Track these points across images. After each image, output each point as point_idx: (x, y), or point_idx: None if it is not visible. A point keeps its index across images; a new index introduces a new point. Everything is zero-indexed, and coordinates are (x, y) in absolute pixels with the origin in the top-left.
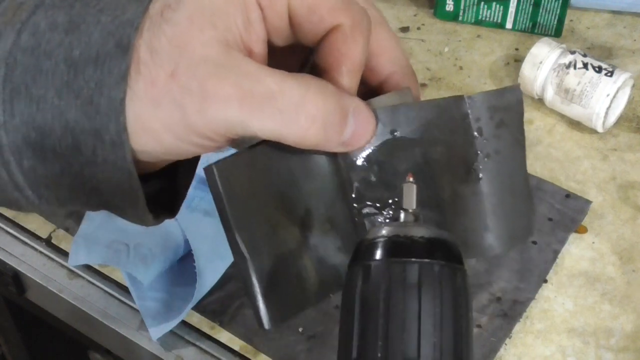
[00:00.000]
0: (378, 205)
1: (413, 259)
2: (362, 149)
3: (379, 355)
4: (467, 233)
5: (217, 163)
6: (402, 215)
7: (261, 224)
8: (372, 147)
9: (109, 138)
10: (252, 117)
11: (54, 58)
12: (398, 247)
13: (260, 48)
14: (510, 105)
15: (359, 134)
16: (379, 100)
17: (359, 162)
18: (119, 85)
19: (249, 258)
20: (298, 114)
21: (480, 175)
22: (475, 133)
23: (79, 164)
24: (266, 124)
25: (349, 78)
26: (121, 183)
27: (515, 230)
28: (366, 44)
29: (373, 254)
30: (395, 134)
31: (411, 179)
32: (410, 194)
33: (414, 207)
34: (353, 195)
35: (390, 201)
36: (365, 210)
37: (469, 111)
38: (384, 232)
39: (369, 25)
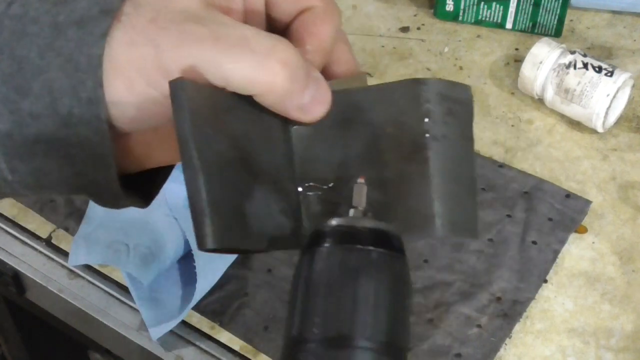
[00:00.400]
0: (319, 181)
1: (355, 246)
2: (313, 124)
3: (315, 331)
4: (411, 213)
5: (184, 80)
6: (351, 212)
7: (214, 152)
8: (322, 125)
9: (86, 95)
10: (226, 56)
11: (39, 23)
12: (342, 235)
13: (237, 18)
14: (460, 99)
15: (317, 100)
16: (335, 83)
17: (308, 137)
18: (98, 42)
19: (201, 173)
20: (270, 56)
21: (428, 155)
22: (425, 115)
23: (54, 125)
24: (238, 65)
25: (315, 55)
26: (94, 147)
27: (458, 218)
28: (335, 27)
29: (320, 241)
30: (346, 115)
31: (362, 181)
32: (361, 194)
33: (364, 206)
34: (298, 168)
35: (331, 180)
36: (307, 184)
37: (421, 92)
38: (333, 222)
39: (338, 12)
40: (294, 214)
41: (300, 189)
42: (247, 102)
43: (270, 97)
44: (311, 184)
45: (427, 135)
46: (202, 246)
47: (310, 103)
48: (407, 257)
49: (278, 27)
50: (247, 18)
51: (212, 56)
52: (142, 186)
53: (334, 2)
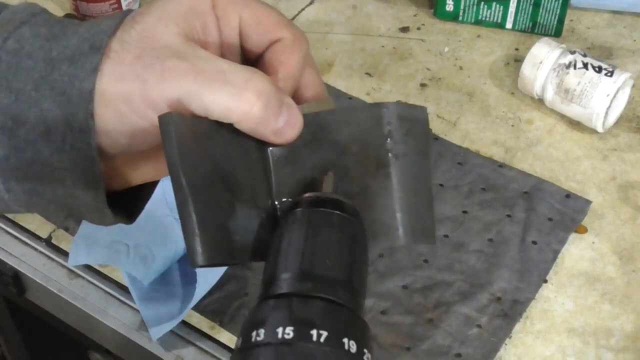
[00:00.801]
0: (293, 196)
1: (320, 209)
2: (287, 145)
3: (286, 271)
4: (376, 224)
5: (172, 114)
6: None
7: (201, 176)
8: (295, 145)
9: (77, 126)
10: (205, 89)
11: (34, 58)
12: (311, 202)
13: (214, 51)
14: (417, 120)
15: (290, 124)
16: (304, 107)
17: (283, 157)
18: (89, 77)
19: (190, 198)
20: (246, 88)
21: (390, 171)
22: (387, 136)
23: (49, 151)
24: (217, 97)
25: (286, 82)
26: (85, 171)
27: (417, 227)
28: (303, 57)
29: (295, 208)
30: (316, 135)
31: (330, 173)
32: (329, 182)
33: (330, 190)
34: (274, 186)
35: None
36: (283, 199)
37: (383, 115)
38: (305, 195)
39: (306, 43)
40: (270, 227)
41: (277, 204)
42: (227, 128)
43: (247, 124)
44: (285, 199)
45: (390, 154)
46: (194, 264)
47: (283, 127)
48: (363, 225)
49: (251, 57)
50: (224, 50)
51: (194, 89)
52: (127, 202)
53: (301, 32)
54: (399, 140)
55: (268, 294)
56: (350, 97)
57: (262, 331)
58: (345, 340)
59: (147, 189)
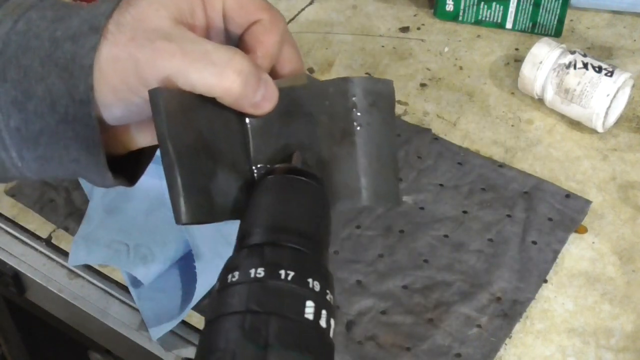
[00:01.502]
0: (269, 162)
1: (288, 175)
2: (264, 117)
3: (252, 227)
4: (342, 187)
5: (161, 89)
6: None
7: (185, 144)
8: (271, 117)
9: (79, 97)
10: (191, 67)
11: (40, 38)
12: (281, 170)
13: (200, 33)
14: (382, 93)
15: (266, 98)
16: (280, 82)
17: (260, 127)
18: (89, 54)
19: (176, 163)
20: (228, 67)
21: (355, 140)
22: (352, 107)
23: (54, 122)
24: (202, 74)
25: (264, 60)
26: (87, 139)
27: (381, 190)
28: (280, 36)
29: (267, 175)
30: (290, 107)
31: (298, 152)
32: (297, 157)
33: (300, 166)
34: (251, 153)
35: (278, 161)
36: (259, 165)
37: (349, 89)
38: (276, 165)
39: (284, 23)
40: (248, 190)
41: (254, 169)
42: (211, 102)
43: (229, 98)
44: (262, 165)
45: (355, 123)
46: (178, 221)
47: (261, 101)
48: (324, 187)
49: (234, 37)
50: (209, 32)
51: (181, 68)
52: (128, 167)
53: (279, 14)
54: (364, 110)
55: (242, 245)
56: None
57: (236, 273)
58: (310, 280)
59: (146, 154)
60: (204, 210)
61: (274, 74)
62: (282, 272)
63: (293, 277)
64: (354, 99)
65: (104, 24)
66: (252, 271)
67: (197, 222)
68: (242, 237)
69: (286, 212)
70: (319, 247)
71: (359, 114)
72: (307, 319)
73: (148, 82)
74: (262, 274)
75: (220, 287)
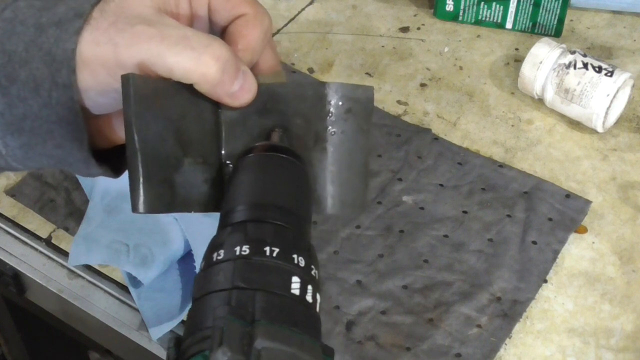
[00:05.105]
0: (239, 158)
1: (268, 153)
2: (240, 110)
3: (234, 205)
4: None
5: (132, 74)
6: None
7: (153, 132)
8: (247, 112)
9: (62, 81)
10: (169, 51)
11: (25, 24)
12: (261, 148)
13: (184, 23)
14: (360, 99)
15: (244, 89)
16: (259, 78)
17: (234, 121)
18: (71, 38)
19: (139, 151)
20: (206, 52)
21: (326, 147)
22: (327, 113)
23: (37, 106)
24: (179, 58)
25: (245, 53)
26: (70, 122)
27: (347, 198)
28: (263, 32)
29: (247, 154)
30: (267, 105)
31: (277, 130)
32: (277, 135)
33: (278, 141)
34: (223, 146)
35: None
36: (229, 161)
37: (326, 93)
38: (256, 144)
39: (268, 19)
40: (216, 184)
41: (228, 163)
42: (187, 90)
43: (205, 85)
44: (232, 161)
45: (330, 128)
46: (135, 211)
47: (238, 91)
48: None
49: (217, 30)
50: (193, 22)
51: (159, 51)
52: (115, 160)
53: (263, 9)
54: (339, 117)
55: (226, 223)
56: (294, 71)
57: (222, 251)
58: (295, 255)
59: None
60: (164, 201)
61: (252, 72)
62: (267, 248)
63: (278, 253)
64: (331, 103)
65: (89, 11)
66: (237, 249)
67: (156, 212)
68: (224, 215)
69: (267, 189)
70: (302, 222)
71: (334, 119)
72: (293, 294)
73: (126, 65)
74: (247, 251)
75: (205, 265)
